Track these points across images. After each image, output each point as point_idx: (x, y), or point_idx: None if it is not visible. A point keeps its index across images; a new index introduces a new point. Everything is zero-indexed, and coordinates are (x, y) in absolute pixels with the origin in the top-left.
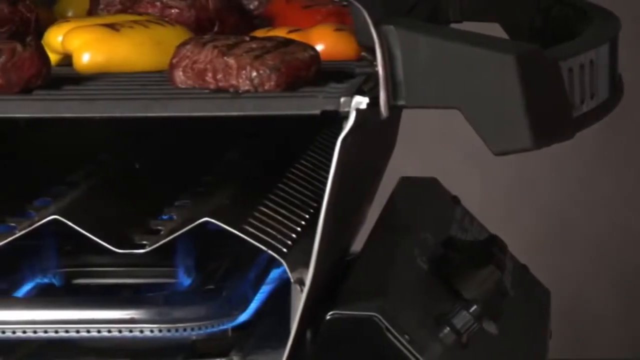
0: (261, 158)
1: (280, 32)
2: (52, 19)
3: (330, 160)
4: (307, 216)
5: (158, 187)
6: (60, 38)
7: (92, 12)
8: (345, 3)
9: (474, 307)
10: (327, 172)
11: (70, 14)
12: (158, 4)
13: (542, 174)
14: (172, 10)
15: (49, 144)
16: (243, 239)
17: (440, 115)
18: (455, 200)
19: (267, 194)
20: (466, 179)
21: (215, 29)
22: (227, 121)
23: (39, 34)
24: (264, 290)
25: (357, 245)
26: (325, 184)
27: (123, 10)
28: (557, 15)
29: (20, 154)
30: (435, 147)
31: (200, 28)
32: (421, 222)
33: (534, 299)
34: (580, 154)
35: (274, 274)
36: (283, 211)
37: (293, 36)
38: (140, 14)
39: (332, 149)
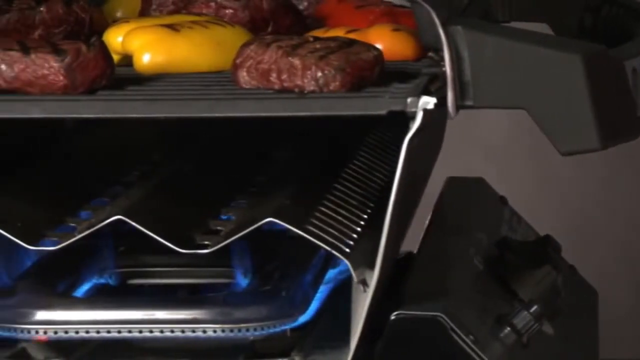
0: (310, 158)
1: (338, 32)
2: (102, 19)
3: (383, 161)
4: (365, 216)
5: (211, 187)
6: (120, 38)
7: (144, 12)
8: (398, 3)
9: (535, 307)
10: (382, 173)
11: (119, 14)
12: (212, 4)
13: (563, 173)
14: (227, 11)
15: (98, 145)
16: (297, 239)
17: (459, 115)
18: (503, 200)
19: (324, 194)
20: (486, 179)
21: (269, 29)
22: (273, 121)
23: (92, 34)
24: (321, 290)
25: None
26: (380, 185)
27: (176, 11)
28: (607, 15)
29: (69, 155)
30: (456, 147)
31: (255, 28)
32: (473, 222)
33: (583, 300)
34: (601, 153)
35: (329, 274)
36: (342, 211)
37: (351, 36)
38: (194, 15)
39: (386, 150)
